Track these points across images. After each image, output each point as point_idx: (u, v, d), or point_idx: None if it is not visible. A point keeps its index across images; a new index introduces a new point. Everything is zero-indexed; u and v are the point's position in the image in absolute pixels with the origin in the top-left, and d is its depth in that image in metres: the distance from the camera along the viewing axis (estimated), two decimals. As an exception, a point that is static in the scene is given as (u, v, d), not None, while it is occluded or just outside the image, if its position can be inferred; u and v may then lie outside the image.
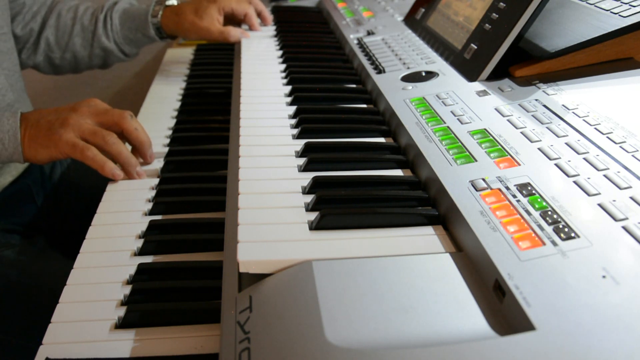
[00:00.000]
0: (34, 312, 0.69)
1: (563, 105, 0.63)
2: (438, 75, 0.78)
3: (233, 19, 1.16)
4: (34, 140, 0.74)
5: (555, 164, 0.53)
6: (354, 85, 0.89)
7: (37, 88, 1.79)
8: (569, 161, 0.53)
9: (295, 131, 0.73)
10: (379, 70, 0.85)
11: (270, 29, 1.20)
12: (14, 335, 0.70)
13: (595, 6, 0.72)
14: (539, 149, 0.56)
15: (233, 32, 1.08)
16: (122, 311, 0.53)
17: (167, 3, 1.07)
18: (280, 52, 1.04)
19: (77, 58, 1.08)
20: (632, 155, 0.52)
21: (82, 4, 1.09)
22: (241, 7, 1.13)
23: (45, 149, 0.73)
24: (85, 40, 1.07)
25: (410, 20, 1.03)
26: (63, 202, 1.02)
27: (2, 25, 0.91)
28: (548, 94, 0.66)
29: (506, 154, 0.56)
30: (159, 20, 1.05)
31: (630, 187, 0.48)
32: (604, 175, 0.50)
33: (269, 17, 1.22)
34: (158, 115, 0.97)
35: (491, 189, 0.51)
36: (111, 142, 0.73)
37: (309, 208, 0.56)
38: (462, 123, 0.63)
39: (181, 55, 1.31)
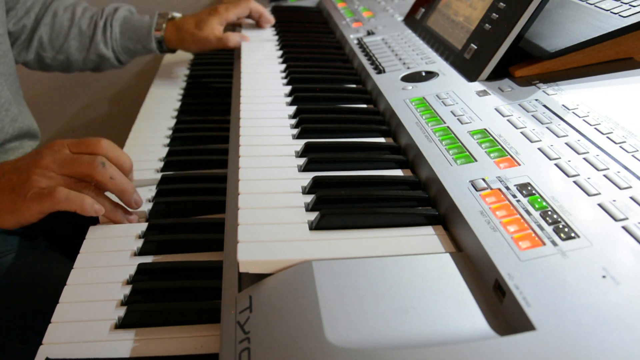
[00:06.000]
0: (36, 315, 0.69)
1: (563, 105, 0.63)
2: (438, 75, 0.78)
3: (239, 24, 1.17)
4: None
5: (555, 164, 0.53)
6: (354, 85, 0.89)
7: (36, 89, 1.79)
8: (569, 161, 0.53)
9: (295, 131, 0.73)
10: (379, 70, 0.85)
11: (271, 29, 1.20)
12: (16, 339, 0.69)
13: (595, 6, 0.72)
14: (539, 149, 0.56)
15: (232, 37, 1.07)
16: (122, 311, 0.53)
17: (170, 17, 1.07)
18: (280, 52, 1.04)
19: (70, 60, 1.07)
20: (632, 155, 0.52)
21: (79, 4, 1.07)
22: (243, 8, 1.13)
23: (11, 215, 0.63)
24: (81, 44, 1.05)
25: (410, 20, 1.03)
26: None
27: None
28: (548, 94, 0.66)
29: (506, 154, 0.56)
30: (162, 34, 1.05)
31: (630, 187, 0.48)
32: (604, 175, 0.50)
33: (271, 17, 1.21)
34: (158, 115, 0.97)
35: (491, 189, 0.51)
36: (90, 196, 0.63)
37: (309, 208, 0.56)
38: (462, 123, 0.63)
39: (181, 55, 1.31)
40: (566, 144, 0.56)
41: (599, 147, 0.54)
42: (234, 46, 1.09)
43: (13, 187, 0.63)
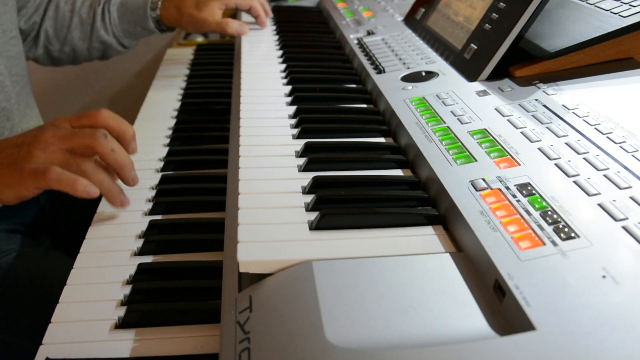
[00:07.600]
0: (39, 313, 0.69)
1: (563, 105, 0.63)
2: (438, 75, 0.78)
3: (235, 16, 1.17)
4: None
5: (555, 164, 0.53)
6: (354, 85, 0.89)
7: (37, 89, 1.79)
8: (569, 161, 0.53)
9: (295, 131, 0.73)
10: (379, 70, 0.85)
11: (270, 29, 1.20)
12: (19, 336, 0.69)
13: (595, 6, 0.72)
14: (539, 149, 0.56)
15: (231, 24, 1.08)
16: (122, 311, 0.53)
17: None
18: (280, 52, 1.04)
19: (75, 51, 1.08)
20: (632, 155, 0.52)
21: None
22: (245, 0, 1.13)
23: (10, 189, 0.62)
24: (83, 33, 1.06)
25: (410, 20, 1.03)
26: (65, 201, 1.02)
27: (11, 28, 0.90)
28: (548, 94, 0.66)
29: (506, 154, 0.56)
30: (158, 13, 1.06)
31: (630, 187, 0.48)
32: (604, 175, 0.50)
33: (265, 20, 1.21)
34: (158, 115, 0.97)
35: (491, 189, 0.51)
36: (89, 170, 0.62)
37: (309, 208, 0.56)
38: (462, 123, 0.63)
39: (181, 55, 1.31)
40: (566, 144, 0.56)
41: (599, 147, 0.54)
42: (232, 33, 1.09)
43: (14, 161, 0.61)
